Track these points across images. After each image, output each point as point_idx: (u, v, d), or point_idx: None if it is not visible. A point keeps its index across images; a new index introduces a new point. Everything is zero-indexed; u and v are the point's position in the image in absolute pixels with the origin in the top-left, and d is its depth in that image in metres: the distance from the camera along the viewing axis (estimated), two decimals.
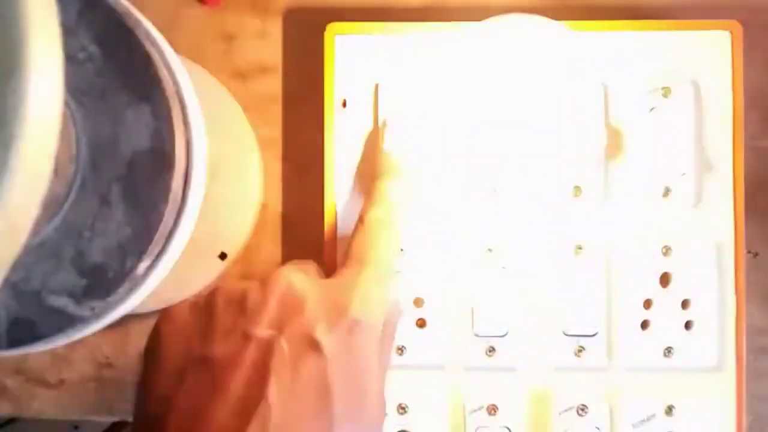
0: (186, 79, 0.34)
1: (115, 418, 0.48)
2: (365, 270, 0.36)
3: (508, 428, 0.42)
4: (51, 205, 0.31)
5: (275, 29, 0.47)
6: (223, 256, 0.44)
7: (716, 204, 0.43)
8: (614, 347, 0.42)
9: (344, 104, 0.43)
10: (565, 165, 0.42)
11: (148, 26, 0.33)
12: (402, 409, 0.42)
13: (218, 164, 0.43)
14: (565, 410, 0.42)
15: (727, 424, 0.42)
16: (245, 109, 0.45)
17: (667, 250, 0.42)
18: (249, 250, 0.46)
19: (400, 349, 0.42)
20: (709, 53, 0.43)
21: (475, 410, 0.42)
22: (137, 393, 0.33)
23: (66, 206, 0.31)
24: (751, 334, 0.44)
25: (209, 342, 0.32)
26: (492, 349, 0.42)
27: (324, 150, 0.43)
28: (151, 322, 0.46)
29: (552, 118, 0.37)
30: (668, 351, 0.42)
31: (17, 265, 0.29)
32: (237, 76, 0.46)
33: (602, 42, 0.42)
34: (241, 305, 0.33)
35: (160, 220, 0.32)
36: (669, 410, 0.42)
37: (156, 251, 0.33)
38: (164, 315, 0.35)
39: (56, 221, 0.31)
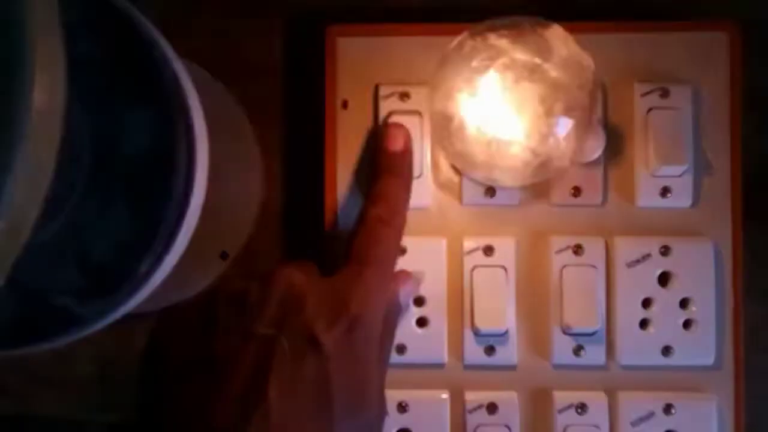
0: (187, 79, 0.34)
1: (118, 418, 0.48)
2: (366, 269, 0.36)
3: (507, 427, 0.42)
4: (53, 205, 0.31)
5: (275, 29, 0.47)
6: (224, 255, 0.44)
7: (715, 204, 0.43)
8: (613, 346, 0.42)
9: (345, 105, 0.43)
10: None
11: (149, 27, 0.33)
12: (402, 407, 0.42)
13: (219, 164, 0.44)
14: (565, 408, 0.42)
15: (726, 423, 0.42)
16: (246, 109, 0.45)
17: (666, 250, 0.42)
18: (250, 249, 0.46)
19: (401, 348, 0.43)
20: (707, 54, 0.43)
21: (474, 409, 0.42)
22: (138, 392, 0.34)
23: (68, 206, 0.31)
24: (750, 334, 0.44)
25: (210, 340, 0.32)
26: (492, 348, 0.42)
27: (325, 150, 0.43)
28: (153, 321, 0.46)
29: (550, 117, 0.37)
30: (667, 350, 0.42)
31: (20, 265, 0.29)
32: (237, 76, 0.46)
33: (601, 43, 0.42)
34: (241, 304, 0.33)
35: (161, 220, 0.32)
36: (668, 409, 0.42)
37: (158, 251, 0.33)
38: (164, 314, 0.35)
39: (59, 221, 0.31)
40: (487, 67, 0.37)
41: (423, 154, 0.43)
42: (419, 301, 0.43)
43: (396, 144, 0.41)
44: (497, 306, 0.42)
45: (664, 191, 0.42)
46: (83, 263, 0.32)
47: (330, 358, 0.32)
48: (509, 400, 0.42)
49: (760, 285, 0.45)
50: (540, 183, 0.43)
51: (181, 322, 0.34)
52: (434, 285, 0.43)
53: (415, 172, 0.42)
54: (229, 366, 0.31)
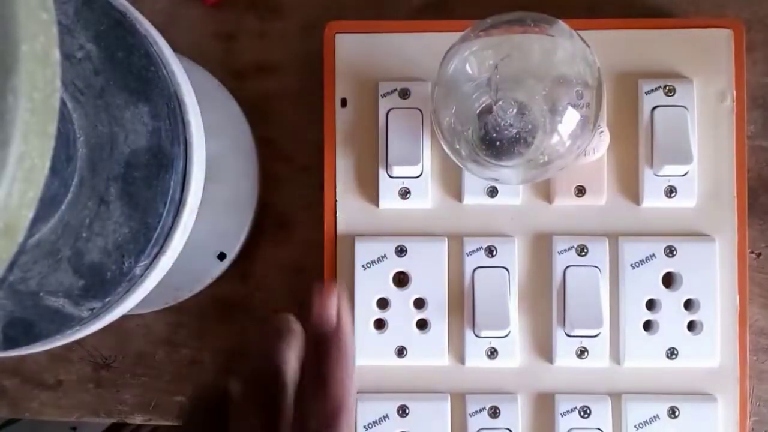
0: (184, 78, 0.34)
1: (114, 420, 0.48)
2: None
3: (509, 430, 0.42)
4: (48, 205, 0.30)
5: (275, 29, 0.46)
6: (221, 256, 0.44)
7: (720, 204, 0.42)
8: (617, 348, 0.42)
9: (344, 103, 0.43)
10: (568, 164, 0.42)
11: (146, 25, 0.32)
12: (403, 411, 0.42)
13: (217, 164, 0.43)
14: (568, 412, 0.42)
15: (731, 426, 0.42)
16: (244, 109, 0.45)
17: (671, 251, 0.42)
18: (248, 250, 0.46)
19: (401, 351, 0.42)
20: (711, 51, 0.42)
21: (476, 412, 0.42)
22: None
23: (63, 206, 0.31)
24: (755, 336, 0.43)
25: None
26: (494, 351, 0.42)
27: (324, 149, 0.43)
28: (150, 322, 0.46)
29: (554, 115, 0.37)
30: (672, 352, 0.42)
31: (14, 265, 0.29)
32: (236, 75, 0.46)
33: (605, 40, 0.42)
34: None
35: (158, 220, 0.32)
36: (672, 412, 0.41)
37: (154, 251, 0.32)
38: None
39: (54, 221, 0.31)
40: (491, 64, 0.37)
41: (423, 153, 0.42)
42: (420, 303, 0.42)
43: (323, 309, 0.39)
44: (499, 308, 0.41)
45: (669, 191, 0.42)
46: (78, 263, 0.31)
47: None
48: (511, 403, 0.42)
49: (765, 286, 0.45)
50: (543, 182, 0.42)
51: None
52: (435, 286, 0.42)
53: (416, 171, 0.42)
54: None
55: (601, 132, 0.40)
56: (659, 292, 0.42)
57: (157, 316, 0.46)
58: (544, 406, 0.42)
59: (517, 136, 0.37)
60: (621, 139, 0.42)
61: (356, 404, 0.40)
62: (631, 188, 0.43)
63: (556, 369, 0.42)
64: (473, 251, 0.42)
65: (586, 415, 0.42)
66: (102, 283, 0.31)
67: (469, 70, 0.37)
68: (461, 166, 0.40)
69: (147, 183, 0.32)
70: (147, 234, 0.32)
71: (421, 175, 0.42)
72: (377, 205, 0.43)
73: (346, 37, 0.43)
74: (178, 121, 0.32)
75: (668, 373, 0.42)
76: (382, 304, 0.42)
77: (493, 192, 0.42)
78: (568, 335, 0.42)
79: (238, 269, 0.46)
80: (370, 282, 0.42)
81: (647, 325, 0.42)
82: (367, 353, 0.42)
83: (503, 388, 0.42)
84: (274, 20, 0.46)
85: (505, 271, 0.42)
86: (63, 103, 0.31)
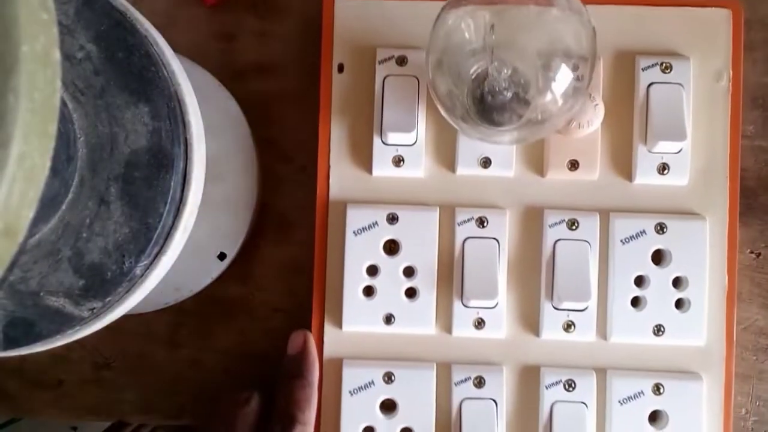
0: (185, 78, 0.34)
1: (114, 420, 0.48)
2: None
3: (494, 401, 0.42)
4: (49, 205, 0.30)
5: (275, 29, 0.46)
6: (222, 256, 0.44)
7: (712, 183, 0.42)
8: (604, 323, 0.42)
9: (341, 69, 0.43)
10: (561, 138, 0.42)
11: (147, 25, 0.32)
12: (389, 377, 0.42)
13: (217, 164, 0.43)
14: (553, 384, 0.42)
15: (715, 405, 0.42)
16: (244, 109, 0.45)
17: (661, 228, 0.42)
18: (248, 250, 0.46)
19: (389, 318, 0.42)
20: (709, 31, 0.42)
21: (462, 381, 0.42)
22: None
23: (64, 206, 0.31)
24: (755, 336, 0.43)
25: None
26: (481, 321, 0.42)
27: (319, 114, 0.43)
28: (150, 322, 0.46)
29: (548, 71, 0.36)
30: (658, 329, 0.42)
31: (15, 265, 0.29)
32: (236, 75, 0.46)
33: (603, 15, 0.42)
34: None
35: (158, 220, 0.32)
36: (657, 389, 0.41)
37: (155, 251, 0.32)
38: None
39: (54, 221, 0.31)
40: (483, 16, 0.36)
41: (418, 121, 0.42)
42: (409, 272, 0.42)
43: (293, 348, 0.42)
44: (488, 278, 0.41)
45: (662, 168, 0.42)
46: (79, 263, 0.31)
47: None
48: (497, 374, 0.42)
49: (765, 286, 0.45)
50: (536, 155, 0.42)
51: None
52: (425, 255, 0.42)
53: (410, 139, 0.42)
54: None
55: (596, 105, 0.40)
56: (648, 268, 0.42)
57: (157, 316, 0.46)
58: (530, 378, 0.42)
59: (513, 98, 0.37)
60: (616, 115, 0.42)
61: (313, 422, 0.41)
62: (624, 164, 0.43)
63: (543, 342, 0.42)
64: (464, 221, 0.42)
65: (570, 389, 0.42)
66: (102, 283, 0.31)
67: (465, 32, 0.37)
68: (455, 125, 0.39)
69: (147, 183, 0.32)
70: (147, 234, 0.32)
71: (415, 143, 0.42)
72: (370, 172, 0.43)
73: (345, 2, 0.43)
74: (178, 121, 0.32)
75: (654, 349, 0.42)
76: (372, 271, 0.42)
77: (486, 163, 0.42)
78: (555, 308, 0.42)
79: (238, 269, 0.46)
80: (361, 248, 0.42)
81: (635, 302, 0.42)
82: (355, 320, 0.42)
83: (489, 358, 0.42)
84: (274, 20, 0.46)
85: (496, 242, 0.42)
86: (63, 103, 0.31)
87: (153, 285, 0.34)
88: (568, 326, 0.42)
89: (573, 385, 0.42)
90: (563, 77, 0.36)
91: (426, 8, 0.42)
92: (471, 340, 0.42)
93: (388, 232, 0.42)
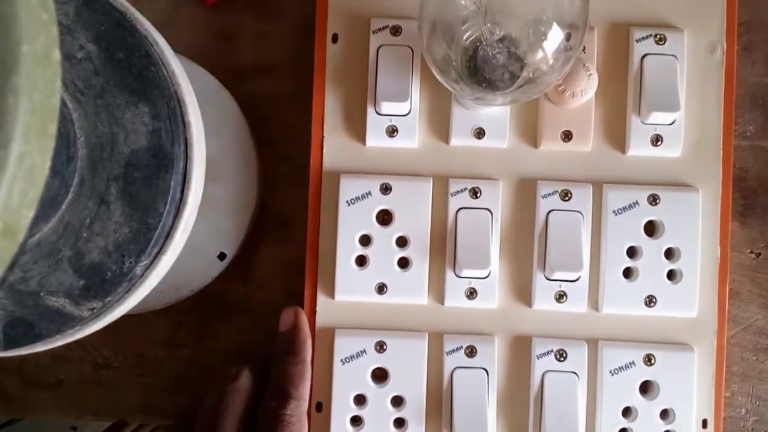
0: (185, 78, 0.34)
1: (114, 420, 0.48)
2: None
3: (485, 370, 0.42)
4: (49, 205, 0.30)
5: (275, 29, 0.46)
6: (222, 256, 0.44)
7: (705, 155, 0.42)
8: (596, 294, 0.42)
9: (335, 39, 0.43)
10: (555, 109, 0.42)
11: (147, 25, 0.32)
12: (380, 347, 0.42)
13: (217, 164, 0.43)
14: (544, 354, 0.42)
15: (706, 376, 0.42)
16: (244, 109, 0.45)
17: (654, 199, 0.42)
18: (248, 250, 0.46)
19: (381, 288, 0.42)
20: (704, 3, 0.43)
21: (453, 351, 0.42)
22: None
23: (64, 206, 0.31)
24: (755, 336, 0.43)
25: None
26: (473, 291, 0.42)
27: (313, 84, 0.43)
28: (150, 322, 0.46)
29: (541, 46, 0.36)
30: (650, 300, 0.42)
31: (15, 265, 0.29)
32: (236, 75, 0.46)
33: None
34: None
35: (158, 220, 0.32)
36: (649, 359, 0.41)
37: (155, 251, 0.32)
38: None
39: (54, 221, 0.31)
40: None
41: (412, 91, 0.42)
42: (402, 242, 0.42)
43: (284, 324, 0.42)
44: (481, 248, 0.41)
45: (655, 140, 0.42)
46: (79, 263, 0.31)
47: None
48: (488, 343, 0.42)
49: (765, 286, 0.45)
50: (530, 126, 0.42)
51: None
52: (418, 226, 0.42)
53: (404, 109, 0.42)
54: None
55: (590, 74, 0.40)
56: (640, 239, 0.42)
57: (157, 316, 0.46)
58: (521, 348, 0.42)
59: (506, 58, 0.36)
60: (610, 86, 0.42)
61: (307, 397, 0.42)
62: (617, 136, 0.43)
63: (535, 312, 0.42)
64: (457, 192, 0.42)
65: (562, 359, 0.42)
66: (102, 282, 0.31)
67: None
68: (449, 89, 0.39)
69: (147, 183, 0.32)
70: (147, 234, 0.32)
71: (409, 113, 0.42)
72: (364, 142, 0.43)
73: None
74: (178, 121, 0.32)
75: (646, 320, 0.42)
76: (365, 241, 0.42)
77: (479, 134, 0.42)
78: (547, 279, 0.42)
79: (238, 269, 0.46)
80: (354, 218, 0.42)
81: (627, 272, 0.42)
82: (347, 289, 0.42)
83: (481, 328, 0.42)
84: (274, 20, 0.46)
85: (489, 213, 0.42)
86: (63, 103, 0.31)
87: (153, 285, 0.34)
88: (560, 297, 0.42)
89: (564, 355, 0.42)
90: (554, 35, 0.35)
91: None
92: (463, 310, 0.42)
93: (382, 202, 0.42)
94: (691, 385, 0.41)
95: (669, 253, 0.42)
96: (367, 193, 0.42)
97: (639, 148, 0.42)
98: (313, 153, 0.43)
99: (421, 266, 0.42)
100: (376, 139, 0.43)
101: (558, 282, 0.42)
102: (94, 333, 0.33)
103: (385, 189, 0.42)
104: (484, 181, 0.42)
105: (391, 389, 0.42)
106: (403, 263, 0.42)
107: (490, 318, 0.42)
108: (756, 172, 0.45)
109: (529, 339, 0.42)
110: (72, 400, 0.47)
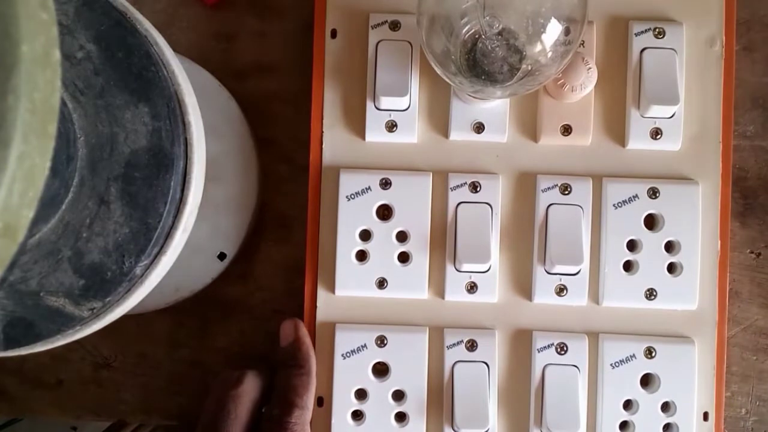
0: (184, 78, 0.34)
1: (114, 420, 0.48)
2: None
3: (486, 363, 0.42)
4: (49, 205, 0.30)
5: (275, 29, 0.46)
6: (222, 256, 0.44)
7: (704, 148, 0.42)
8: (596, 287, 0.42)
9: (334, 34, 0.43)
10: (555, 103, 0.42)
11: (147, 25, 0.32)
12: (381, 341, 0.42)
13: (217, 164, 0.43)
14: (545, 348, 0.42)
15: (708, 370, 0.42)
16: (244, 109, 0.45)
17: (654, 192, 0.42)
18: (248, 250, 0.46)
19: (382, 282, 0.42)
20: None
21: (454, 345, 0.42)
22: None
23: (64, 206, 0.31)
24: (755, 336, 0.43)
25: None
26: (474, 286, 0.42)
27: (312, 80, 0.43)
28: (150, 322, 0.46)
29: (540, 38, 0.36)
30: (650, 293, 0.42)
31: (15, 265, 0.29)
32: (236, 75, 0.46)
33: None
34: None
35: (158, 220, 0.32)
36: (649, 352, 0.42)
37: (154, 251, 0.32)
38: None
39: (54, 221, 0.31)
40: None
41: (411, 86, 0.42)
42: (402, 237, 0.42)
43: (285, 338, 0.42)
44: (481, 242, 0.41)
45: (655, 133, 0.42)
46: (79, 263, 0.31)
47: None
48: (489, 337, 0.42)
49: (765, 286, 0.45)
50: (529, 120, 0.42)
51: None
52: (418, 220, 0.42)
53: (403, 104, 0.42)
54: None
55: (589, 68, 0.40)
56: (641, 232, 0.42)
57: (157, 316, 0.46)
58: (522, 341, 0.42)
59: (505, 50, 0.36)
60: (609, 80, 0.43)
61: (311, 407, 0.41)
62: (616, 129, 0.43)
63: (535, 306, 0.42)
64: (457, 186, 0.42)
65: (562, 352, 0.42)
66: (102, 282, 0.31)
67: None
68: (449, 82, 0.39)
69: (147, 183, 0.32)
70: (147, 234, 0.32)
71: (408, 108, 0.42)
72: (363, 137, 0.43)
73: None
74: (178, 122, 0.32)
75: (646, 314, 0.42)
76: (365, 235, 0.43)
77: (479, 128, 0.42)
78: (548, 272, 0.42)
79: (238, 269, 0.46)
80: (354, 213, 0.42)
81: (627, 266, 0.42)
82: (347, 284, 0.42)
83: (482, 322, 0.43)
84: (274, 20, 0.46)
85: (488, 207, 0.42)
86: (63, 103, 0.31)
87: (153, 285, 0.34)
88: (561, 290, 0.42)
89: (565, 349, 0.42)
90: (553, 27, 0.35)
91: None
92: (463, 304, 0.42)
93: (381, 197, 0.42)
94: (692, 377, 0.41)
95: (669, 246, 0.42)
96: (366, 188, 0.42)
97: (638, 142, 0.42)
98: (312, 148, 0.43)
99: (421, 261, 0.42)
100: (375, 134, 0.43)
101: (558, 275, 0.42)
102: (94, 333, 0.33)
103: (385, 184, 0.42)
104: (483, 176, 0.42)
105: (392, 383, 0.42)
106: (404, 258, 0.42)
107: (490, 312, 0.43)
108: (756, 172, 0.45)
109: (530, 332, 0.42)
110: (72, 400, 0.47)
